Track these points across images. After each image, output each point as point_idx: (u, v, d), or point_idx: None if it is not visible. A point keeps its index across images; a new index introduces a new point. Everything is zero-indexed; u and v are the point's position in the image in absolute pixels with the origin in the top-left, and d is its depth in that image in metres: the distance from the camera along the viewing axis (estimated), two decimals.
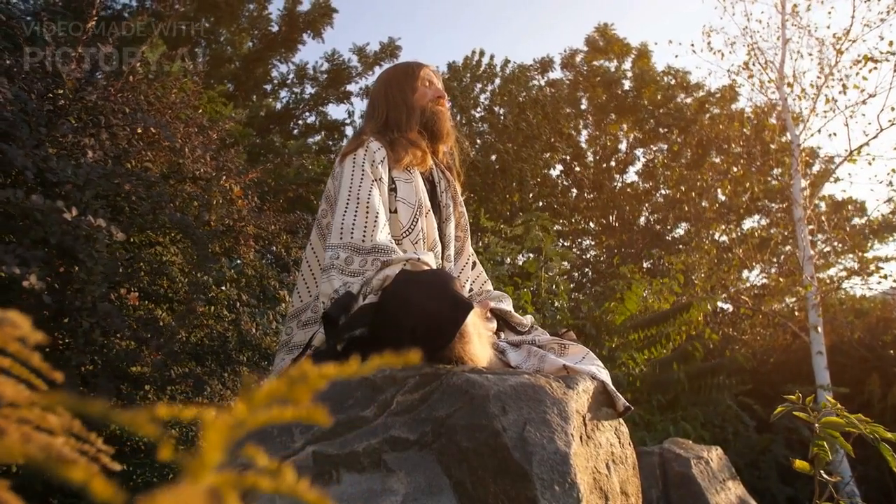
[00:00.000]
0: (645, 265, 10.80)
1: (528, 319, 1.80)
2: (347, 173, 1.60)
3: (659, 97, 10.88)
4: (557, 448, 1.05)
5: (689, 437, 4.14)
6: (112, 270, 1.32)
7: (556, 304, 5.25)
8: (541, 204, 13.15)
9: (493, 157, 11.78)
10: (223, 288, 2.04)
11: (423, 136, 1.78)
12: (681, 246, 8.86)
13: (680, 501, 2.34)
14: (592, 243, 13.77)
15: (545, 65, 12.53)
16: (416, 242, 1.61)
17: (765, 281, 8.45)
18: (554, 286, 5.26)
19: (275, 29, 8.55)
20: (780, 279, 6.43)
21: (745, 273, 8.50)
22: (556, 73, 12.78)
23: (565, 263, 5.26)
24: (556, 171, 13.25)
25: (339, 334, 1.27)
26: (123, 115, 1.53)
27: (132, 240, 1.75)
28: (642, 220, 12.12)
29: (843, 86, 6.14)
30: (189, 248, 1.73)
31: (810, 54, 6.58)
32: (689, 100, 10.90)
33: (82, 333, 1.26)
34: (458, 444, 1.08)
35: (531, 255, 5.21)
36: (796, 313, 6.32)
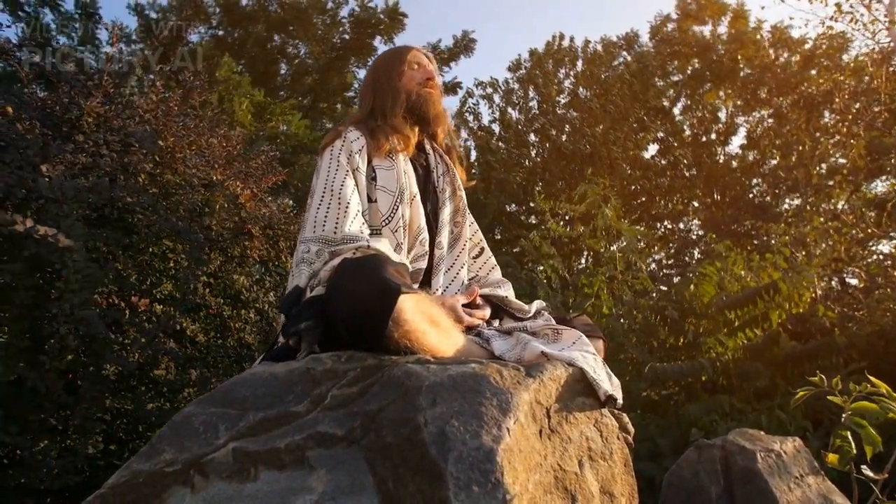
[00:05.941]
0: (755, 242, 9.93)
1: (534, 305, 1.69)
2: (325, 166, 1.58)
3: (759, 56, 9.93)
4: (482, 444, 0.95)
5: (784, 426, 3.71)
6: (94, 279, 1.40)
7: (637, 287, 4.91)
8: (638, 187, 12.51)
9: (583, 143, 11.33)
10: (251, 291, 2.11)
11: (408, 120, 1.72)
12: (791, 219, 8.03)
13: (745, 499, 2.10)
14: (698, 223, 12.91)
15: (630, 40, 11.88)
16: (396, 231, 1.56)
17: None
18: (636, 265, 4.93)
19: (346, 37, 8.81)
20: None
21: (873, 243, 7.53)
22: (643, 48, 12.06)
23: (641, 243, 4.90)
24: (650, 151, 12.55)
25: (286, 329, 1.25)
26: (112, 132, 1.62)
27: (151, 250, 1.86)
28: (749, 194, 11.16)
29: None
30: (189, 252, 1.82)
31: None
32: (793, 58, 9.85)
33: (58, 339, 1.34)
34: (384, 439, 1.01)
35: (603, 236, 4.90)
36: None
